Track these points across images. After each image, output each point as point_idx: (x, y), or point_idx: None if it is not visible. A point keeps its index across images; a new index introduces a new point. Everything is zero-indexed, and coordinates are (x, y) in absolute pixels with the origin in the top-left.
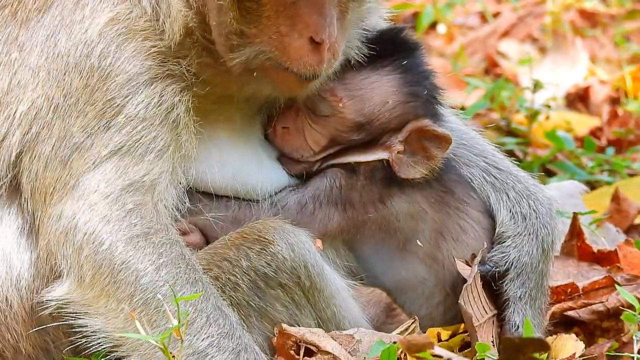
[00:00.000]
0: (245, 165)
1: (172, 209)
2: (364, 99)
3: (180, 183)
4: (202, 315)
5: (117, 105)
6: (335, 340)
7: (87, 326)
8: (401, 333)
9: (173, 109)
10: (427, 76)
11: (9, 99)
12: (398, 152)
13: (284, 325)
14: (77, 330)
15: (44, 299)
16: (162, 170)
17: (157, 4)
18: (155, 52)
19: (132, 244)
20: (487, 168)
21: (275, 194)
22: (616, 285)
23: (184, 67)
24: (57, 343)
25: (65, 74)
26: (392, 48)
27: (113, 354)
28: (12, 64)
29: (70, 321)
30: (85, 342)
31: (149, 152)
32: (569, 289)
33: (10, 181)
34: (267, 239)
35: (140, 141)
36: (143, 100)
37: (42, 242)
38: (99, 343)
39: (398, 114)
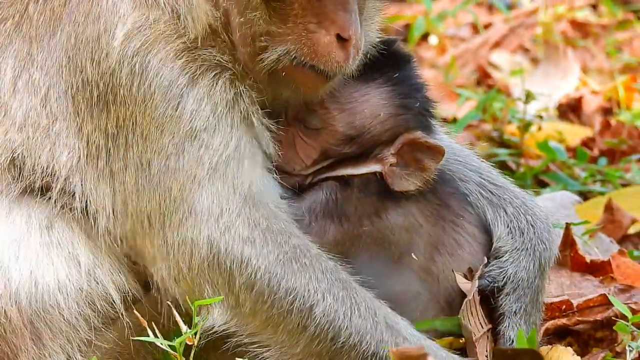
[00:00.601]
0: None
1: (282, 206)
2: (355, 111)
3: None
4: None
5: (174, 118)
6: None
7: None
8: None
9: (234, 103)
10: (419, 88)
11: (47, 122)
12: (391, 165)
13: None
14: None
15: (209, 326)
16: (262, 174)
17: (177, 3)
18: (181, 49)
19: (287, 266)
20: (483, 183)
21: None
22: (609, 296)
23: (215, 54)
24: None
25: (104, 106)
26: (383, 60)
27: None
28: (38, 87)
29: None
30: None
31: (242, 161)
32: (564, 306)
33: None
34: None
35: (226, 152)
36: (195, 108)
37: (156, 268)
38: None
39: (390, 126)
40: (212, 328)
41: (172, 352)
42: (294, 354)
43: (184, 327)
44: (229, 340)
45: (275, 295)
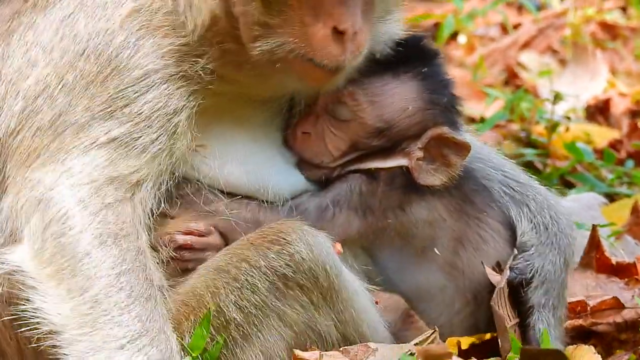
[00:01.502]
0: (262, 166)
1: (149, 213)
2: (384, 104)
3: (162, 187)
4: (147, 335)
5: (127, 98)
6: (351, 352)
7: (30, 301)
8: (421, 342)
9: (175, 114)
10: (447, 85)
11: (18, 76)
12: (417, 159)
13: (297, 352)
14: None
15: (1, 259)
16: (150, 172)
17: None
18: (173, 49)
19: (100, 239)
20: (506, 181)
21: (293, 198)
22: (635, 297)
23: (201, 65)
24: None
25: (80, 56)
26: (412, 55)
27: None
28: (25, 44)
29: (16, 291)
30: (23, 318)
31: (143, 152)
32: (579, 307)
33: None
34: (285, 239)
35: (138, 140)
36: (151, 100)
37: (8, 199)
38: (36, 323)
39: (418, 120)
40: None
41: None
42: (62, 309)
43: None
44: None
45: (75, 258)
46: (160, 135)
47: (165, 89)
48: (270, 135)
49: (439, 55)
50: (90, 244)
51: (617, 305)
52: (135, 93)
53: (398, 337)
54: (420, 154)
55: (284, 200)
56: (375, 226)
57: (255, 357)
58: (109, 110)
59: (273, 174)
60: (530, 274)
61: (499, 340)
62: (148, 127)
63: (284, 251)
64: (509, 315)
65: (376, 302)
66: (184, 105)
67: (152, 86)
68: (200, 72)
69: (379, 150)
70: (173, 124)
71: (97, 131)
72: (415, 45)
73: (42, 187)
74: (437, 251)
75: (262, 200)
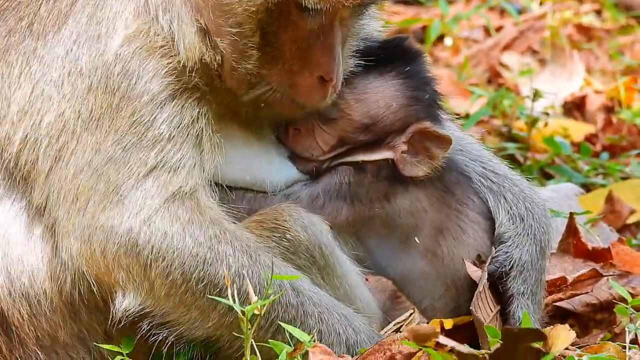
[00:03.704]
0: (257, 160)
1: (216, 207)
2: (370, 101)
3: (211, 187)
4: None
5: (145, 123)
6: None
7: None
8: (400, 323)
9: (194, 123)
10: (428, 82)
11: (32, 109)
12: (402, 152)
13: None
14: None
15: (113, 311)
16: (196, 181)
17: (172, 25)
18: (172, 67)
19: (200, 257)
20: (484, 172)
21: (287, 187)
22: (609, 280)
23: (198, 79)
24: (92, 332)
25: (89, 93)
26: (396, 55)
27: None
28: (33, 75)
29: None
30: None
31: (180, 168)
32: (559, 282)
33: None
34: (283, 226)
35: (171, 160)
36: (166, 119)
37: (68, 244)
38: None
39: (401, 116)
40: (129, 310)
41: (242, 316)
42: (205, 328)
43: (254, 297)
44: (144, 321)
45: (189, 283)
46: (185, 150)
47: (175, 105)
48: (263, 132)
49: (421, 55)
50: (194, 265)
51: (595, 275)
52: (151, 115)
53: (388, 315)
54: (404, 147)
55: (278, 190)
56: (363, 214)
57: None
58: (135, 139)
59: (266, 166)
60: (510, 265)
61: (480, 341)
62: (174, 144)
63: (284, 238)
64: (490, 307)
65: (366, 279)
66: (198, 112)
67: (163, 105)
68: (199, 84)
69: (366, 144)
70: (195, 133)
71: (135, 165)
72: (398, 46)
73: (118, 234)
74: (417, 240)
75: (257, 191)
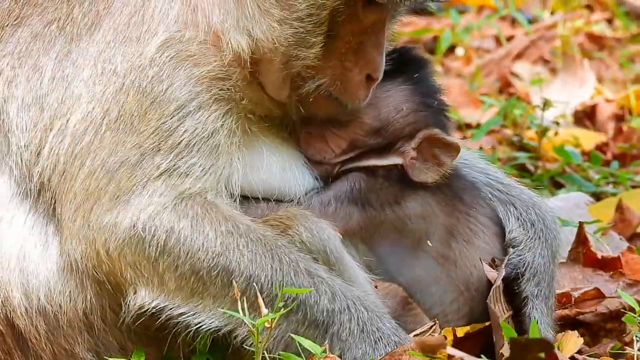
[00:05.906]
0: (279, 170)
1: (230, 206)
2: (380, 105)
3: (228, 194)
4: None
5: (168, 130)
6: None
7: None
8: (421, 334)
9: (214, 135)
10: (436, 90)
11: (63, 110)
12: (411, 158)
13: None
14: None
15: (127, 310)
16: (208, 186)
17: (216, 26)
18: (203, 76)
19: (210, 250)
20: (491, 184)
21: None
22: (618, 290)
23: (229, 88)
24: (108, 346)
25: (120, 92)
26: (405, 63)
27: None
28: (65, 78)
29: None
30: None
31: (192, 173)
32: (564, 299)
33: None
34: (286, 223)
35: (184, 166)
36: (189, 128)
37: (71, 247)
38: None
39: (411, 120)
40: (143, 307)
41: (253, 329)
42: (219, 316)
43: (264, 310)
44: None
45: (199, 274)
46: (204, 156)
47: (201, 115)
48: (283, 142)
49: (430, 64)
50: (202, 258)
51: (599, 295)
52: (176, 123)
53: (398, 323)
54: (413, 153)
55: (293, 198)
56: (374, 219)
57: None
58: (156, 145)
59: (290, 176)
60: (524, 268)
61: (494, 336)
62: (190, 151)
63: (291, 242)
64: (503, 309)
65: (375, 286)
66: (221, 125)
67: (189, 115)
68: (231, 92)
69: (376, 149)
70: (214, 144)
71: (149, 168)
72: (408, 55)
73: (122, 230)
74: (429, 243)
75: (273, 200)
